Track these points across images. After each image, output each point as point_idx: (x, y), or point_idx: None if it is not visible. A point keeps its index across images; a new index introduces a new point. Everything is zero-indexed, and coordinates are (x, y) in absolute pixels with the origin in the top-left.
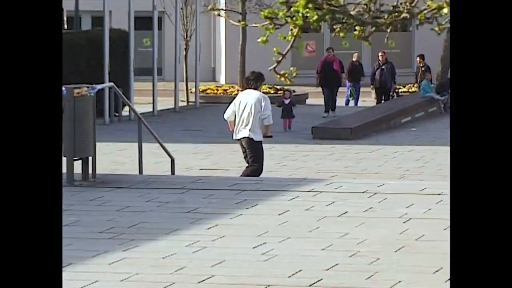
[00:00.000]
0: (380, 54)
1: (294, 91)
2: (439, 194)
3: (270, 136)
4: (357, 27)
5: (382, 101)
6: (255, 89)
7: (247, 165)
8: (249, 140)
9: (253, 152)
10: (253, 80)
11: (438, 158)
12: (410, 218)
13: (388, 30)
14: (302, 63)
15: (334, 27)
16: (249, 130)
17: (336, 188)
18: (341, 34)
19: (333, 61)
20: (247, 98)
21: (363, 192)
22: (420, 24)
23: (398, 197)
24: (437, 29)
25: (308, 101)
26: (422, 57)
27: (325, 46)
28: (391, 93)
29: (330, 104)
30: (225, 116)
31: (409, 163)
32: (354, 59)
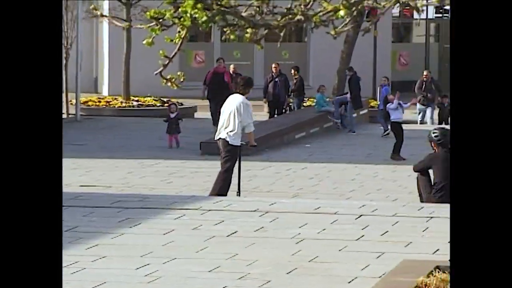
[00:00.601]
0: (273, 65)
1: (181, 104)
2: (334, 213)
3: (255, 145)
4: (248, 30)
5: (275, 116)
6: (241, 94)
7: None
8: (225, 142)
9: (226, 154)
10: (242, 86)
11: (334, 176)
12: (303, 239)
13: (281, 34)
14: (191, 73)
15: (225, 29)
16: (227, 132)
17: (225, 207)
18: (232, 37)
19: (223, 72)
20: (231, 101)
21: (253, 211)
22: (315, 27)
23: (290, 216)
24: (333, 32)
25: (196, 115)
26: (296, 69)
27: (215, 56)
28: (284, 107)
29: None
30: (252, 129)
31: (302, 181)
32: (231, 71)
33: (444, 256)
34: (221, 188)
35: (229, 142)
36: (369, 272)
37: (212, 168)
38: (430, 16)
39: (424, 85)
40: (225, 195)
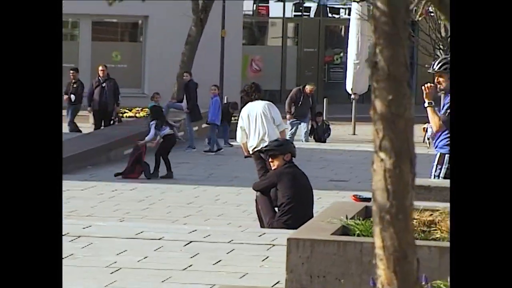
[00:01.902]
0: (100, 68)
1: None
2: (159, 239)
3: None
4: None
5: (102, 127)
6: (257, 99)
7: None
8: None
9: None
10: (254, 92)
11: (168, 198)
12: (120, 268)
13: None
14: None
15: None
16: (266, 140)
17: None
18: None
19: None
20: (256, 110)
21: (63, 235)
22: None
23: (107, 242)
24: None
25: None
26: (76, 70)
27: None
28: (113, 117)
29: None
30: (238, 140)
31: (130, 204)
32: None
33: None
34: None
35: None
36: None
37: None
38: (288, 15)
39: (301, 98)
40: None
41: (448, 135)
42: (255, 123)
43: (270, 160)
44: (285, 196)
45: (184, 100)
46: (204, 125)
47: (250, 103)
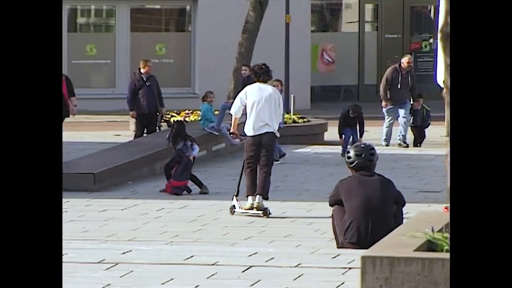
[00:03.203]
0: (149, 64)
1: None
2: (212, 264)
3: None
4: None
5: (145, 134)
6: (264, 82)
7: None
8: (273, 135)
9: (272, 148)
10: (264, 74)
11: (225, 217)
12: None
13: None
14: None
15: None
16: (271, 125)
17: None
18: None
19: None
20: (264, 93)
21: (98, 262)
22: None
23: (150, 269)
24: None
25: None
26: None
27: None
28: (159, 123)
29: None
30: (232, 111)
31: (180, 225)
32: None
33: None
34: (268, 186)
35: (276, 135)
36: None
37: None
38: None
39: (399, 79)
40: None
41: None
42: (259, 106)
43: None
44: (345, 211)
45: None
46: None
47: (258, 83)
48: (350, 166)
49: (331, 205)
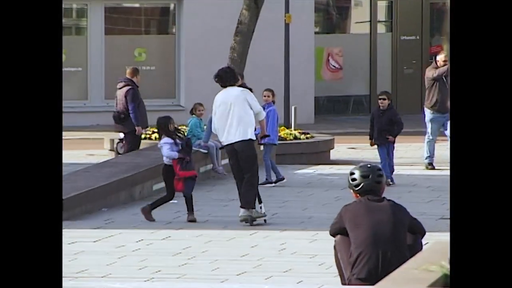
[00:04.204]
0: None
1: None
2: None
3: (268, 136)
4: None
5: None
6: (232, 86)
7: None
8: (248, 143)
9: (249, 154)
10: (230, 78)
11: (215, 249)
12: None
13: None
14: None
15: None
16: (240, 132)
17: None
18: None
19: None
20: (231, 98)
21: None
22: None
23: None
24: None
25: None
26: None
27: None
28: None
29: None
30: (213, 130)
31: (162, 259)
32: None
33: None
34: (253, 195)
35: (249, 139)
36: None
37: None
38: None
39: (445, 80)
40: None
41: None
42: (226, 112)
43: (352, 192)
44: (351, 242)
45: None
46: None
47: (223, 90)
48: (355, 190)
49: (332, 235)
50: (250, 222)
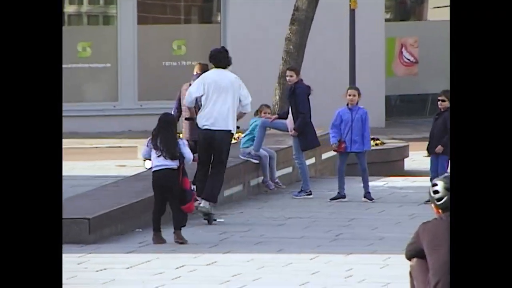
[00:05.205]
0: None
1: None
2: None
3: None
4: None
5: None
6: (224, 68)
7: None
8: (227, 133)
9: (226, 147)
10: (224, 58)
11: (266, 277)
12: None
13: None
14: None
15: None
16: (227, 121)
17: None
18: None
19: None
20: (225, 81)
21: None
22: None
23: None
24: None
25: None
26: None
27: None
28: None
29: None
30: (187, 103)
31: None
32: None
33: None
34: (217, 189)
35: (231, 131)
36: None
37: None
38: None
39: None
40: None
41: None
42: (221, 98)
43: (433, 207)
44: (429, 267)
45: (290, 115)
46: (324, 155)
47: (215, 70)
48: (437, 204)
49: (408, 258)
50: (210, 221)
